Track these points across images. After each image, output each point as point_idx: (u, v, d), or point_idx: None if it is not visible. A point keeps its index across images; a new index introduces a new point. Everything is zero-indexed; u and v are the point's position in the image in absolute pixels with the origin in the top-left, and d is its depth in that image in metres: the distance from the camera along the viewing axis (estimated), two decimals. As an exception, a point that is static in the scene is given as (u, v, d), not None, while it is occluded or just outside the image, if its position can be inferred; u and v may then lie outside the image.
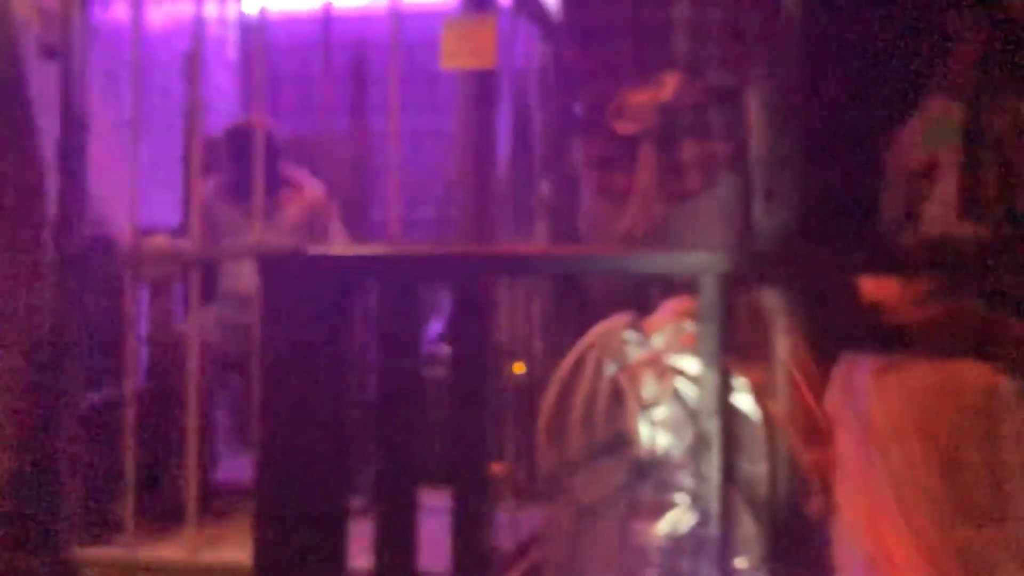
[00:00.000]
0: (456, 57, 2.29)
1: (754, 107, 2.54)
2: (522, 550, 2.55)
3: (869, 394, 1.81)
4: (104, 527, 2.68)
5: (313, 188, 3.34)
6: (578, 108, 2.64)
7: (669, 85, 2.45)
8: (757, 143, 2.52)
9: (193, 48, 3.41)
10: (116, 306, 2.85)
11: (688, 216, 2.47)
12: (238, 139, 3.18)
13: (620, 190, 2.49)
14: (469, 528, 1.58)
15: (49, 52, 2.69)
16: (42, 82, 2.68)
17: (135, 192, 2.64)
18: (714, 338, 1.16)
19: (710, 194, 2.49)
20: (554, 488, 1.87)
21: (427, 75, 3.47)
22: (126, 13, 2.68)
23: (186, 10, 3.62)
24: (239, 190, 3.21)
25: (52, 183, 2.65)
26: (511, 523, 2.59)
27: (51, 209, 2.65)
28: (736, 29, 2.50)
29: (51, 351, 2.61)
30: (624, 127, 2.46)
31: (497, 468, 2.56)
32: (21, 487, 2.50)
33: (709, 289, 1.15)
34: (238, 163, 3.20)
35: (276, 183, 3.22)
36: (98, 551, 2.60)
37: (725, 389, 1.13)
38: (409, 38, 2.59)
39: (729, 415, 1.13)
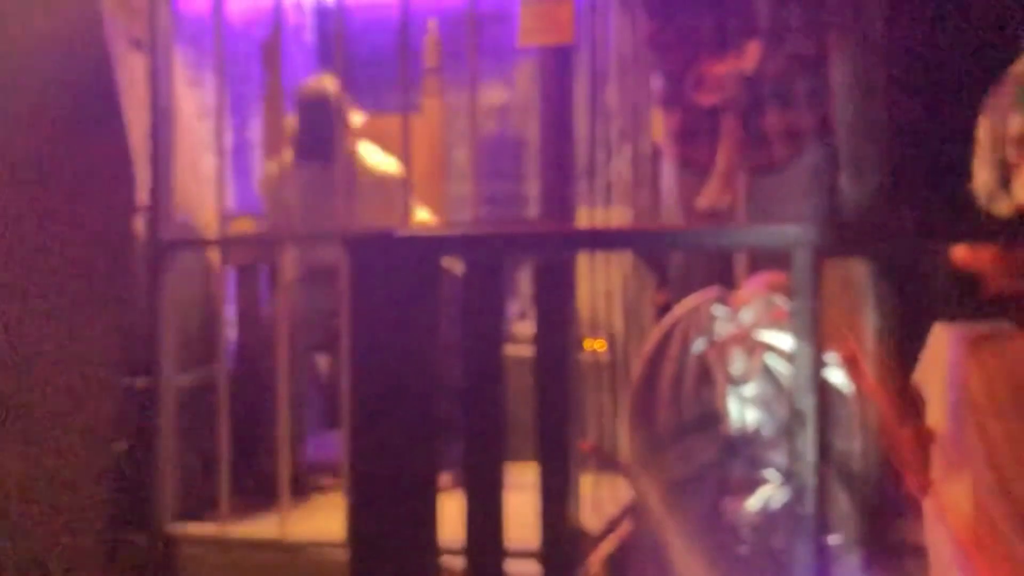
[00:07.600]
0: (534, 33, 2.28)
1: (838, 74, 2.48)
2: (610, 527, 2.55)
3: (964, 366, 1.75)
4: (199, 505, 2.76)
5: (383, 166, 3.24)
6: (657, 80, 2.60)
7: (751, 54, 2.39)
8: (842, 111, 2.45)
9: (272, 36, 3.44)
10: (205, 290, 2.92)
11: (773, 188, 2.43)
12: (307, 102, 3.14)
13: (702, 163, 2.45)
14: (556, 504, 1.58)
15: (135, 44, 2.75)
16: (129, 73, 2.75)
17: (221, 178, 2.69)
18: (808, 312, 1.13)
19: (795, 165, 2.44)
20: (642, 465, 1.86)
21: (502, 50, 3.45)
22: (206, 3, 2.71)
23: (263, -3, 3.66)
24: (308, 152, 3.13)
25: (141, 172, 2.71)
26: (597, 499, 2.59)
27: (141, 197, 2.72)
28: None
29: (143, 336, 2.68)
30: (705, 98, 2.41)
31: (582, 445, 2.56)
32: (122, 468, 2.58)
33: (802, 262, 1.12)
34: (307, 126, 3.14)
35: (336, 148, 3.06)
36: (194, 527, 2.68)
37: (820, 365, 1.10)
38: (483, 13, 2.58)
39: (823, 391, 1.11)
